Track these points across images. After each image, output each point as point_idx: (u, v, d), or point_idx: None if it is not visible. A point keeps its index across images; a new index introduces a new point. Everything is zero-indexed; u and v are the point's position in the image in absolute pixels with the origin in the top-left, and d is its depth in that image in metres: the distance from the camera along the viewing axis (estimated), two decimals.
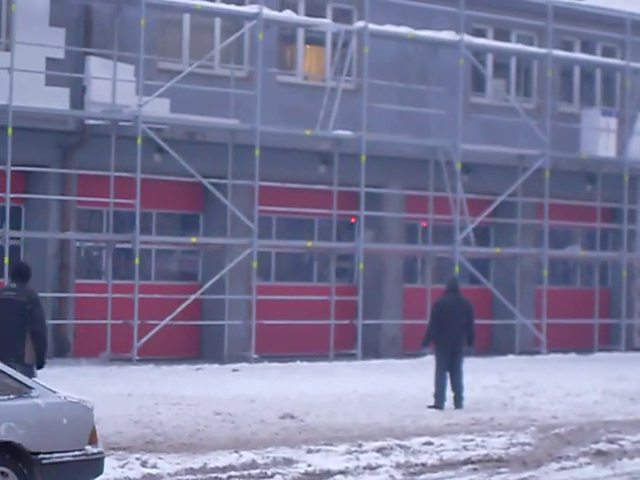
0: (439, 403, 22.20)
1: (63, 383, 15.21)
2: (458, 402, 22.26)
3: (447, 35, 32.69)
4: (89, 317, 28.34)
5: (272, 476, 15.37)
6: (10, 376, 13.16)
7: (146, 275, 29.13)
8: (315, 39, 32.53)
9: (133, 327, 27.99)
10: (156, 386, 18.27)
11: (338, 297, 31.98)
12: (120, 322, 28.11)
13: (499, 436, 18.91)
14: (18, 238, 27.63)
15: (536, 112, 35.03)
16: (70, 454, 12.97)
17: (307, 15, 31.79)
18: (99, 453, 13.30)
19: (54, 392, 13.34)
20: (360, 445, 17.42)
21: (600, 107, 36.65)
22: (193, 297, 29.45)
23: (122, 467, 15.21)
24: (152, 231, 29.62)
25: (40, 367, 17.24)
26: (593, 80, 37.25)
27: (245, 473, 15.50)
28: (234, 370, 26.97)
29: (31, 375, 16.94)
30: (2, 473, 12.48)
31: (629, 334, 36.73)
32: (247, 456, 16.28)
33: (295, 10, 31.45)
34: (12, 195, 26.69)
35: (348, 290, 32.29)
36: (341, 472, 15.80)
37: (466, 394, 22.43)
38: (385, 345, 32.10)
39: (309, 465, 16.00)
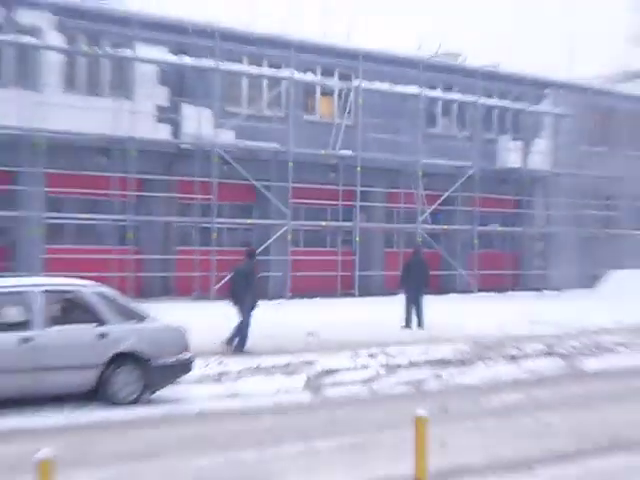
0: (408, 325, 22.15)
1: (168, 313, 15.19)
2: (420, 324, 22.18)
3: (412, 89, 32.59)
4: (185, 270, 28.37)
5: (301, 372, 15.39)
6: (133, 309, 13.20)
7: (220, 244, 29.08)
8: (327, 92, 32.36)
9: (212, 277, 28.03)
10: (227, 314, 18.18)
11: (342, 257, 31.96)
12: (204, 274, 28.14)
13: (447, 345, 18.87)
14: (138, 221, 27.60)
15: (469, 138, 34.87)
16: (170, 359, 13.03)
17: (322, 76, 31.70)
18: (190, 358, 13.37)
19: (161, 319, 13.38)
20: (357, 352, 17.41)
21: (511, 134, 36.49)
22: None
23: (205, 367, 15.31)
24: (224, 215, 29.52)
25: (253, 308, 18.43)
26: (506, 118, 37.03)
27: (284, 369, 15.54)
28: (276, 304, 26.93)
29: (249, 314, 18.28)
30: (129, 371, 12.55)
31: (531, 281, 36.66)
32: (285, 358, 16.36)
33: (314, 72, 31.39)
34: (133, 193, 26.82)
35: (349, 253, 32.14)
36: (345, 369, 15.86)
37: (425, 319, 22.36)
38: (373, 288, 31.97)
39: (323, 365, 16.02)
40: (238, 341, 18.05)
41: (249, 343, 18.07)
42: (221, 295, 24.41)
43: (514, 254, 37.21)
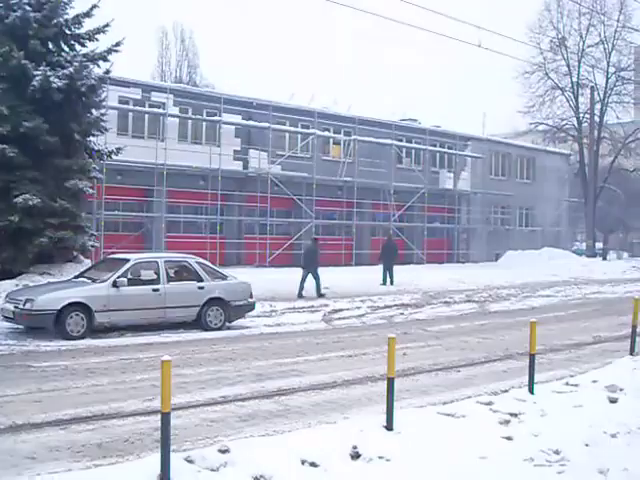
0: (384, 283, 22.08)
1: (240, 272, 15.23)
2: (392, 283, 22.10)
3: (386, 140, 32.40)
4: (250, 249, 28.36)
5: (318, 311, 15.38)
6: (218, 271, 13.25)
7: (272, 233, 28.98)
8: (336, 142, 32.17)
9: (267, 254, 28.01)
10: (271, 276, 18.22)
11: (345, 242, 31.74)
12: (262, 252, 28.07)
13: (408, 295, 18.86)
14: (222, 219, 27.56)
15: (422, 170, 34.60)
16: (241, 302, 13.08)
17: (334, 132, 31.50)
18: (253, 302, 13.38)
19: (236, 277, 13.43)
20: (353, 299, 17.44)
21: (446, 168, 36.32)
22: (289, 242, 29.40)
23: (261, 308, 15.19)
24: (274, 216, 29.29)
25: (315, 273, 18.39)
26: (444, 158, 36.77)
27: (307, 310, 15.54)
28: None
29: (318, 275, 18.15)
30: (217, 309, 12.61)
31: (457, 257, 36.48)
32: (307, 302, 16.27)
33: (329, 130, 31.23)
34: (219, 202, 26.79)
35: (351, 239, 32.02)
36: (346, 309, 15.83)
37: (395, 280, 22.32)
38: (363, 260, 31.88)
39: (333, 307, 16.03)
40: (316, 290, 18.03)
41: (321, 290, 18.27)
42: (272, 265, 24.52)
43: (448, 240, 37.05)
